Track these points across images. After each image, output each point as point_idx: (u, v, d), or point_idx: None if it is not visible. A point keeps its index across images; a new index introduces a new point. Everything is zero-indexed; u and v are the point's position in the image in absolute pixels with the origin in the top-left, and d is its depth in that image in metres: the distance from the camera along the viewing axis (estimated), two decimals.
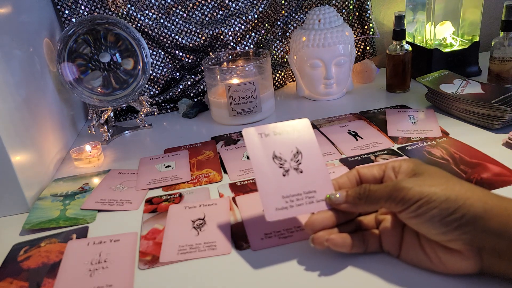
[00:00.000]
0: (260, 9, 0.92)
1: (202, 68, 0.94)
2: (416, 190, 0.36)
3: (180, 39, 0.91)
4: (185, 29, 0.92)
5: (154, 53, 0.93)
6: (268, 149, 0.45)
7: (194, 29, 0.92)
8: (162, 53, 0.94)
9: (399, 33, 0.85)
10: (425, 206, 0.35)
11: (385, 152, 0.64)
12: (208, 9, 0.92)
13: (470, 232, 0.34)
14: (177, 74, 0.96)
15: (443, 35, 0.90)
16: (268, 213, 0.42)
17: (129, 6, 0.87)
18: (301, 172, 0.44)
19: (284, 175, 0.44)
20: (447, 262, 0.37)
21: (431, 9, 0.88)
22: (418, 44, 0.94)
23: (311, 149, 0.45)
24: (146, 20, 0.89)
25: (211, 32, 0.91)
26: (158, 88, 0.95)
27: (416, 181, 0.37)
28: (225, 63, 0.90)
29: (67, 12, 0.86)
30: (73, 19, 0.86)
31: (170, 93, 0.94)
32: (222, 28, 0.91)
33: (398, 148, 0.64)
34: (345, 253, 0.42)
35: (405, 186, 0.37)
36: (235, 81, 0.80)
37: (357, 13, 1.00)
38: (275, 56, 1.01)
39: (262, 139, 0.45)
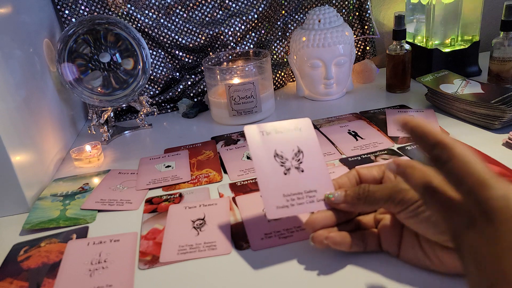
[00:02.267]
0: (260, 9, 0.92)
1: (202, 68, 0.94)
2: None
3: (180, 39, 0.91)
4: (185, 29, 0.92)
5: (154, 53, 0.93)
6: (269, 147, 0.45)
7: (194, 29, 0.92)
8: (162, 53, 0.94)
9: (399, 33, 0.85)
10: (423, 206, 0.35)
11: (385, 152, 0.64)
12: (208, 9, 0.92)
13: None
14: (177, 74, 0.96)
15: None
16: (269, 211, 0.42)
17: (129, 6, 0.87)
18: (302, 171, 0.44)
19: (285, 174, 0.44)
20: (446, 261, 0.37)
21: (431, 9, 0.88)
22: (418, 44, 0.94)
23: (312, 148, 0.46)
24: (146, 20, 0.89)
25: (211, 32, 0.91)
26: (158, 88, 0.95)
27: None
28: (225, 63, 0.90)
29: (67, 12, 0.86)
30: (73, 19, 0.86)
31: (170, 93, 0.94)
32: (222, 28, 0.91)
33: (398, 148, 0.64)
34: (345, 252, 0.42)
35: (405, 187, 0.37)
36: (235, 81, 0.80)
37: (357, 13, 1.00)
38: (275, 56, 1.01)
39: (264, 137, 0.45)
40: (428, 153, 0.30)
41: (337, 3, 0.98)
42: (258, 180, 0.43)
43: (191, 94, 0.95)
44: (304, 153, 0.45)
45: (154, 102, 0.94)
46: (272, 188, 0.43)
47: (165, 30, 0.90)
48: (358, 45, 1.03)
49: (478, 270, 0.26)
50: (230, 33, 0.92)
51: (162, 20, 0.90)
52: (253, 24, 0.93)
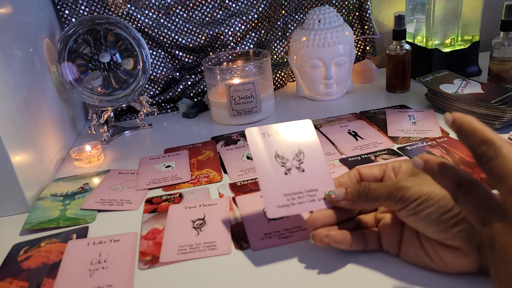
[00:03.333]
0: (260, 9, 0.92)
1: (202, 68, 0.94)
2: (415, 189, 0.36)
3: (180, 39, 0.91)
4: (185, 29, 0.92)
5: (154, 53, 0.93)
6: (270, 148, 0.45)
7: (194, 29, 0.92)
8: (162, 53, 0.94)
9: (399, 33, 0.85)
10: (423, 204, 0.36)
11: (385, 152, 0.64)
12: (208, 9, 0.92)
13: (468, 229, 0.34)
14: (177, 74, 0.96)
15: None
16: (269, 210, 0.42)
17: (129, 6, 0.87)
18: (303, 171, 0.44)
19: (286, 174, 0.44)
20: (447, 260, 0.37)
21: (431, 9, 0.88)
22: (418, 44, 0.94)
23: (314, 149, 0.46)
24: (146, 20, 0.89)
25: (211, 32, 0.91)
26: (158, 88, 0.95)
27: (416, 180, 0.37)
28: (225, 63, 0.90)
29: (67, 12, 0.86)
30: (73, 19, 0.86)
31: (170, 93, 0.94)
32: (222, 28, 0.91)
33: (398, 148, 0.64)
34: (345, 251, 0.42)
35: (405, 185, 0.37)
36: (235, 81, 0.80)
37: (357, 13, 1.00)
38: (275, 56, 1.01)
39: (265, 138, 0.46)
40: (473, 149, 0.30)
41: (337, 3, 0.98)
42: (259, 180, 0.43)
43: (191, 94, 0.95)
44: (305, 154, 0.45)
45: (154, 102, 0.94)
46: (272, 188, 0.43)
47: (165, 30, 0.90)
48: (358, 45, 1.03)
49: (507, 266, 0.27)
50: (230, 33, 0.92)
51: (162, 20, 0.90)
52: (253, 24, 0.93)
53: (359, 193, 0.40)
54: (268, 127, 0.47)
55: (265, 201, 0.42)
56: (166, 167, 0.67)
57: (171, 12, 0.91)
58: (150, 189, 0.61)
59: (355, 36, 1.02)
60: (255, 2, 0.92)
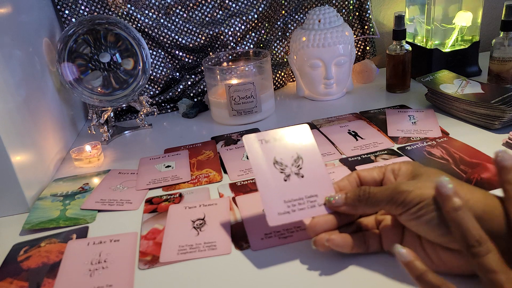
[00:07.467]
0: (260, 9, 0.92)
1: (202, 68, 0.94)
2: (416, 193, 0.36)
3: (180, 39, 0.91)
4: (185, 29, 0.92)
5: (154, 53, 0.93)
6: (268, 155, 0.45)
7: (194, 29, 0.92)
8: (162, 53, 0.94)
9: (399, 33, 0.85)
10: (425, 209, 0.35)
11: (385, 152, 0.64)
12: (208, 9, 0.92)
13: None
14: (177, 74, 0.96)
15: (460, 22, 0.88)
16: (270, 217, 0.42)
17: (129, 6, 0.87)
18: (302, 176, 0.44)
19: (285, 180, 0.44)
20: (448, 261, 0.37)
21: (431, 9, 0.88)
22: (418, 44, 0.94)
23: (312, 154, 0.46)
24: (146, 20, 0.89)
25: (211, 32, 0.91)
26: (158, 88, 0.95)
27: (416, 184, 0.37)
28: (225, 63, 0.90)
29: (67, 12, 0.86)
30: (73, 19, 0.86)
31: (170, 93, 0.94)
32: (222, 28, 0.91)
33: (398, 148, 0.64)
34: (347, 253, 0.42)
35: (406, 189, 0.36)
36: (235, 81, 0.80)
37: (357, 13, 1.00)
38: (275, 56, 1.01)
39: (263, 145, 0.46)
40: None
41: (337, 3, 0.98)
42: (259, 188, 0.43)
43: (191, 94, 0.95)
44: (304, 159, 0.45)
45: (154, 102, 0.94)
46: (272, 195, 0.43)
47: (165, 30, 0.90)
48: (358, 45, 1.03)
49: None
50: (230, 33, 0.92)
51: (162, 20, 0.90)
52: (253, 24, 0.93)
53: (359, 197, 0.40)
54: (266, 133, 0.47)
55: (265, 209, 0.42)
56: (166, 167, 0.67)
57: (171, 12, 0.91)
58: (150, 189, 0.61)
59: (355, 36, 1.02)
60: (255, 2, 0.92)
